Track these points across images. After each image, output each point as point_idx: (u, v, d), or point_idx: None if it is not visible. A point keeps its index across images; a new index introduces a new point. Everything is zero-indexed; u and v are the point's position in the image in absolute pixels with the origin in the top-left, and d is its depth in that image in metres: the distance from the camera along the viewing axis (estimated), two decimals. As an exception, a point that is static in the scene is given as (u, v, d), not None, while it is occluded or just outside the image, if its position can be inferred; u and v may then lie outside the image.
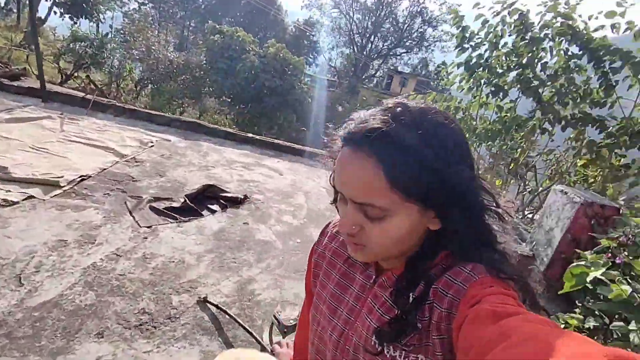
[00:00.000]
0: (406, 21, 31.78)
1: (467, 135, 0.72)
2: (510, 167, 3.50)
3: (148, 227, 2.99)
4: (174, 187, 3.84)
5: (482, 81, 3.46)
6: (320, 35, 33.39)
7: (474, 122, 3.70)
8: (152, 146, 4.82)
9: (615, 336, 1.52)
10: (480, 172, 3.21)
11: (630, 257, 1.62)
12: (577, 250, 2.13)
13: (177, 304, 2.25)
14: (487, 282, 0.53)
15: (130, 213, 3.11)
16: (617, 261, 1.68)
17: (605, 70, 2.84)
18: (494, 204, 0.58)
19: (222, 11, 31.90)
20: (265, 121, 15.49)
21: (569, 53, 3.03)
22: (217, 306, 2.27)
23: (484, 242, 0.58)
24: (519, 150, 3.40)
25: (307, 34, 31.69)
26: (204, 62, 15.10)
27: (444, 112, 0.58)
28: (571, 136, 3.14)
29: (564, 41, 3.00)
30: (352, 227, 0.57)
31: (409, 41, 32.62)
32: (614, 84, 2.90)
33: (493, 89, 3.36)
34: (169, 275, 2.49)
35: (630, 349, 1.34)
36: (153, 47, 13.19)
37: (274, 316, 1.80)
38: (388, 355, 0.58)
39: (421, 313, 0.57)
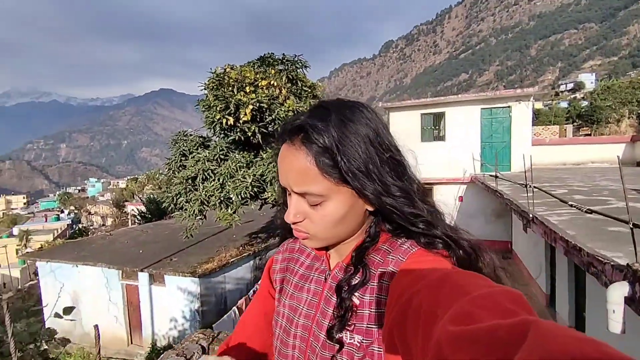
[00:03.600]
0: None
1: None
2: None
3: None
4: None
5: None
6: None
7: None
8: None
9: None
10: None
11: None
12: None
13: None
14: (422, 254, 0.60)
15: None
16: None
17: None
18: (415, 184, 0.65)
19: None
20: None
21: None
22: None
23: (414, 218, 0.62)
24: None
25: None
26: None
27: (360, 102, 0.67)
28: None
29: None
30: (297, 215, 0.64)
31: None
32: None
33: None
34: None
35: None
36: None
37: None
38: (337, 338, 0.61)
39: (362, 291, 0.62)
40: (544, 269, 6.83)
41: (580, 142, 12.89)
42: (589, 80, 78.20)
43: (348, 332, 0.61)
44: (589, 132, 20.55)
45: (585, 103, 30.69)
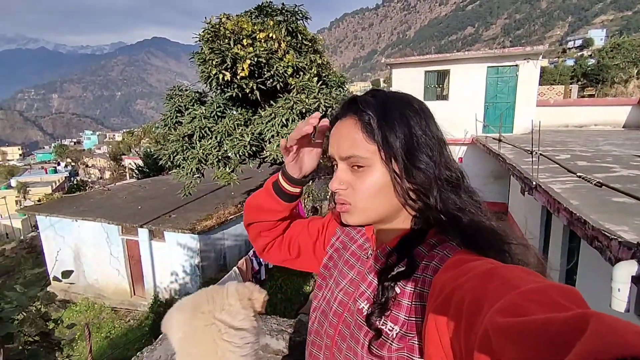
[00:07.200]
0: None
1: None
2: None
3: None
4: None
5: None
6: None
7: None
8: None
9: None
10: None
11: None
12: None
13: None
14: (460, 260, 0.56)
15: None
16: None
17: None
18: (460, 177, 0.65)
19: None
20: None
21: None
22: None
23: (455, 213, 0.61)
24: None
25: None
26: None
27: (412, 96, 0.70)
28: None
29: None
30: (341, 182, 0.68)
31: None
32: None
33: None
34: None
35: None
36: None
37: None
38: (372, 320, 0.62)
39: (404, 281, 0.62)
40: (539, 231, 6.94)
41: (584, 104, 12.60)
42: (598, 37, 75.28)
43: (383, 318, 0.62)
44: (593, 93, 20.06)
45: (592, 61, 29.72)
